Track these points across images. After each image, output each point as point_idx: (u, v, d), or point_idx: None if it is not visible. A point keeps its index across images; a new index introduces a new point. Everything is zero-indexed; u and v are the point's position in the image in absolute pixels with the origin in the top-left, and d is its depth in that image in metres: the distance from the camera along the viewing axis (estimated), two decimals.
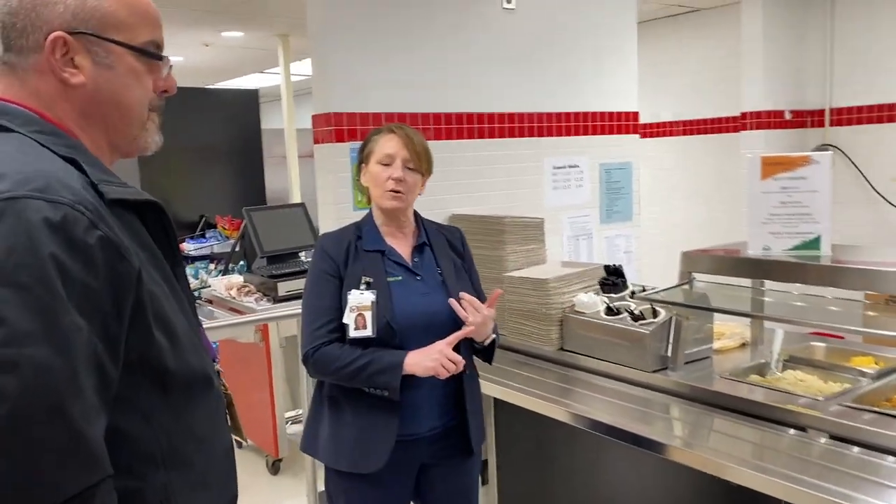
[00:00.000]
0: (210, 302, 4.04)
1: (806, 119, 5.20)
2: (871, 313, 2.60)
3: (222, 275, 4.41)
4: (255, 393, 4.10)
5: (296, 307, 3.00)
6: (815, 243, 2.31)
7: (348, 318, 1.93)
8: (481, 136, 3.40)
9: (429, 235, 2.12)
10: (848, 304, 2.49)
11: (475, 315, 1.99)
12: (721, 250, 2.54)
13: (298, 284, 3.74)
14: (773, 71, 5.02)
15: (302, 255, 4.14)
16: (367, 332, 1.93)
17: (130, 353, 0.96)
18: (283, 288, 3.66)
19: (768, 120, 5.01)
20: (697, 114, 5.86)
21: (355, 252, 2.02)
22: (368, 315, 1.93)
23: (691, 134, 5.92)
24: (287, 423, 4.15)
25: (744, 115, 5.11)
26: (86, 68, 1.05)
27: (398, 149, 2.01)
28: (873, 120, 4.91)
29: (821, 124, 5.19)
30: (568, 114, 3.69)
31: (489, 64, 3.42)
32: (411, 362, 1.92)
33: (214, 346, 4.59)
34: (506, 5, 3.44)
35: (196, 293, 4.20)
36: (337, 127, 2.99)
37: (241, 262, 4.56)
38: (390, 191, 2.01)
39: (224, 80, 9.21)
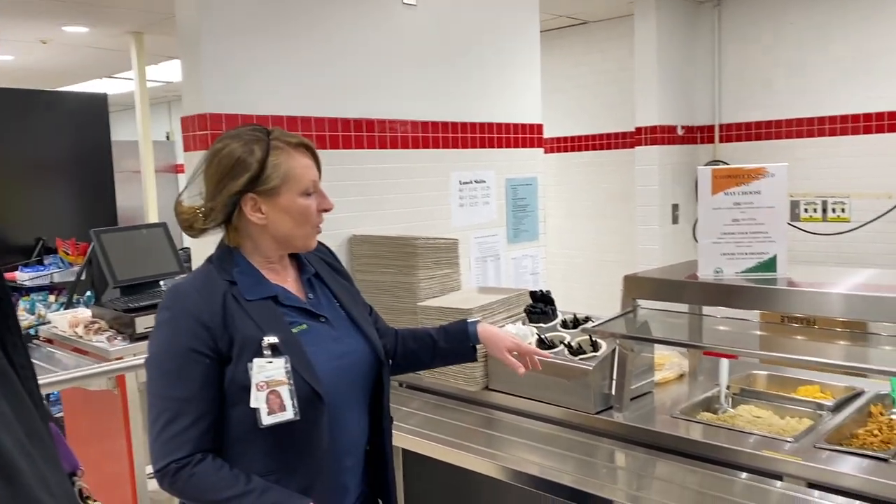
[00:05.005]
0: (49, 342, 3.45)
1: (696, 135, 5.20)
2: (799, 337, 2.44)
3: (65, 308, 3.83)
4: (110, 445, 3.48)
5: None
6: (770, 264, 2.09)
7: (257, 401, 1.39)
8: (382, 146, 2.98)
9: (311, 262, 1.66)
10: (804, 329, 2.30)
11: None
12: (663, 272, 2.28)
13: None
14: (666, 86, 4.99)
15: (163, 283, 3.59)
16: (288, 414, 1.41)
17: None
18: (142, 324, 3.23)
19: (662, 135, 4.95)
20: (592, 129, 5.74)
21: (236, 305, 1.46)
22: (285, 391, 1.40)
23: (587, 150, 5.80)
24: (148, 478, 3.58)
25: (638, 130, 5.02)
26: None
27: (316, 172, 1.56)
28: (761, 136, 4.97)
29: (711, 140, 5.20)
30: (473, 124, 3.35)
31: (389, 65, 3.01)
32: None
33: (58, 400, 3.92)
34: (406, 1, 3.05)
35: (32, 331, 3.57)
36: (213, 131, 2.47)
37: (89, 294, 3.94)
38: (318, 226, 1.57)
39: (64, 85, 8.24)
